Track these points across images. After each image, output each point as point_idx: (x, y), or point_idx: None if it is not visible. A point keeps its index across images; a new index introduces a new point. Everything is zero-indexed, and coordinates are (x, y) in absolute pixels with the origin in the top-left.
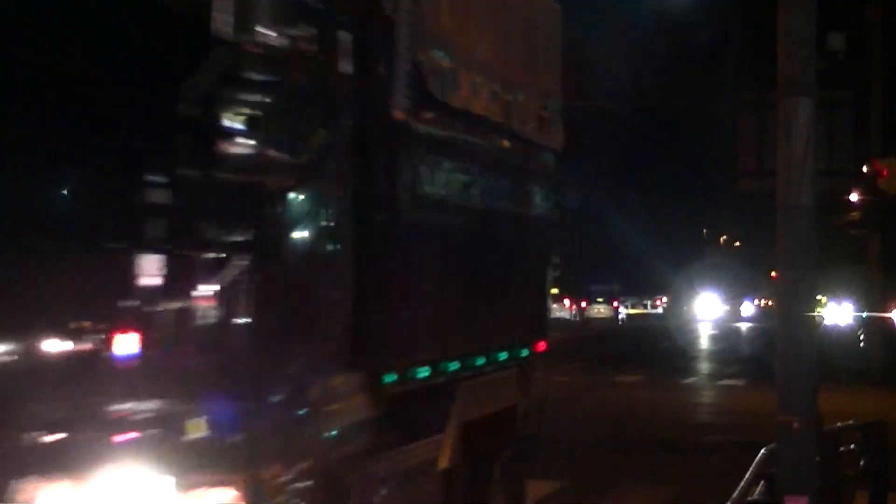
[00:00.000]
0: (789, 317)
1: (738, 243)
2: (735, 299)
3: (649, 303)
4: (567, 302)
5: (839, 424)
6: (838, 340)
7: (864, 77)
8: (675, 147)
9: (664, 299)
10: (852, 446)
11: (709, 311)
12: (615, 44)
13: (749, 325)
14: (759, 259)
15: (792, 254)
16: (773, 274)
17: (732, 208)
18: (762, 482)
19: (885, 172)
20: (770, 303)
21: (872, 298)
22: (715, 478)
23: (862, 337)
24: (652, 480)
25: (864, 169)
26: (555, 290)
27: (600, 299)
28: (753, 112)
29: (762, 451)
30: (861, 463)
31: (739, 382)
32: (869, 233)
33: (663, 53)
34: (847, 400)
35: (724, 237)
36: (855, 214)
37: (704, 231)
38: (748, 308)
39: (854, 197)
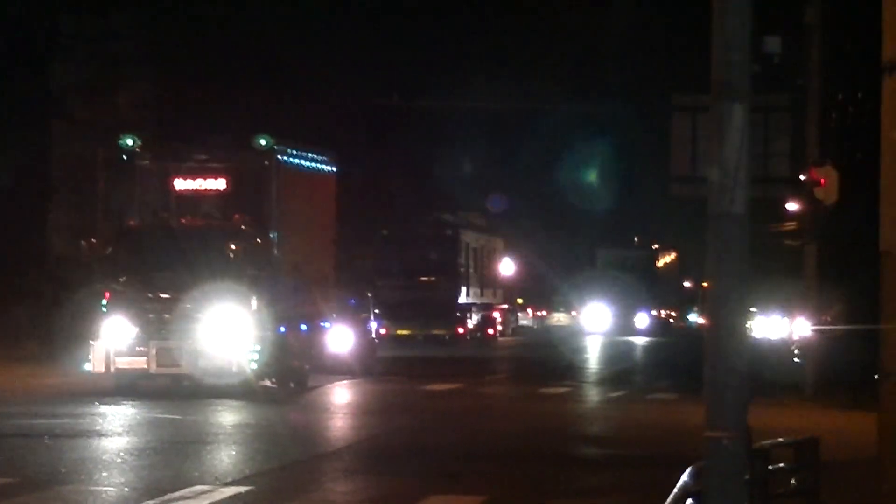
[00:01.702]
0: (719, 329)
1: (672, 254)
2: (628, 309)
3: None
4: (529, 311)
5: (770, 441)
6: (770, 354)
7: (802, 82)
8: (607, 149)
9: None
10: (783, 464)
11: (596, 323)
12: (551, 43)
13: (644, 339)
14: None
15: (722, 263)
16: (703, 284)
17: (665, 215)
18: (689, 500)
19: (822, 181)
20: (671, 314)
21: (807, 310)
22: (641, 494)
23: (797, 351)
24: (576, 496)
25: (802, 177)
26: (520, 301)
27: (561, 309)
28: (687, 115)
29: (690, 467)
30: (792, 481)
31: (670, 396)
32: (805, 243)
33: (598, 54)
34: (779, 416)
35: (656, 245)
36: (791, 224)
37: (636, 239)
38: (643, 319)
39: (791, 206)
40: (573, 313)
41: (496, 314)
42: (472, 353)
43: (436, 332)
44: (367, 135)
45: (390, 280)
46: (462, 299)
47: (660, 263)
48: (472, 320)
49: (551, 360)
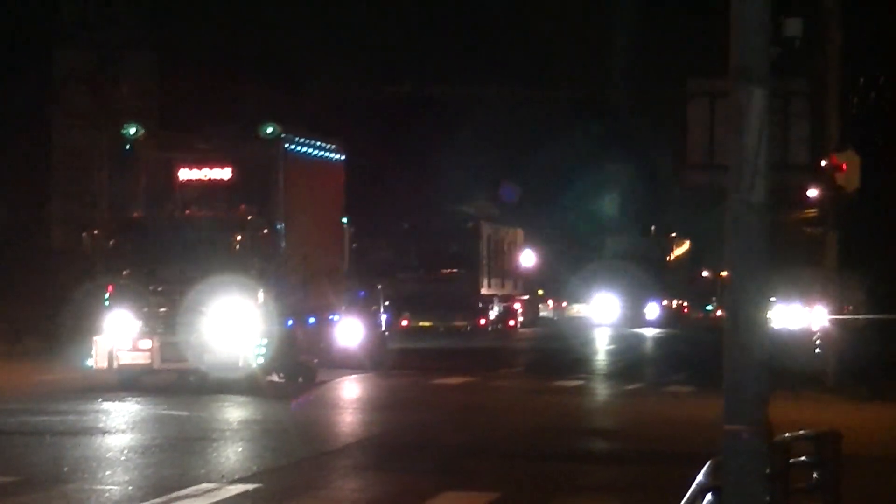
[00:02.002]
0: (738, 320)
1: (686, 244)
2: (637, 300)
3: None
4: (550, 303)
5: (790, 434)
6: (790, 345)
7: (822, 66)
8: (622, 138)
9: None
10: (804, 458)
11: (605, 314)
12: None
13: (654, 330)
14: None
15: (742, 253)
16: (723, 274)
17: (680, 204)
18: (708, 495)
19: (843, 167)
20: (684, 304)
21: (828, 300)
22: (658, 490)
23: (818, 342)
24: (591, 492)
25: (823, 163)
26: (541, 292)
27: (581, 300)
28: (704, 101)
29: (708, 462)
30: (814, 475)
31: (686, 389)
32: (826, 231)
33: (612, 41)
34: (799, 408)
35: (674, 234)
36: (812, 212)
37: (653, 228)
38: (653, 310)
39: (811, 193)
40: (589, 304)
41: (517, 305)
42: (491, 344)
43: (457, 323)
44: (377, 124)
45: (411, 272)
46: (484, 290)
47: (675, 252)
48: (494, 312)
49: (565, 352)
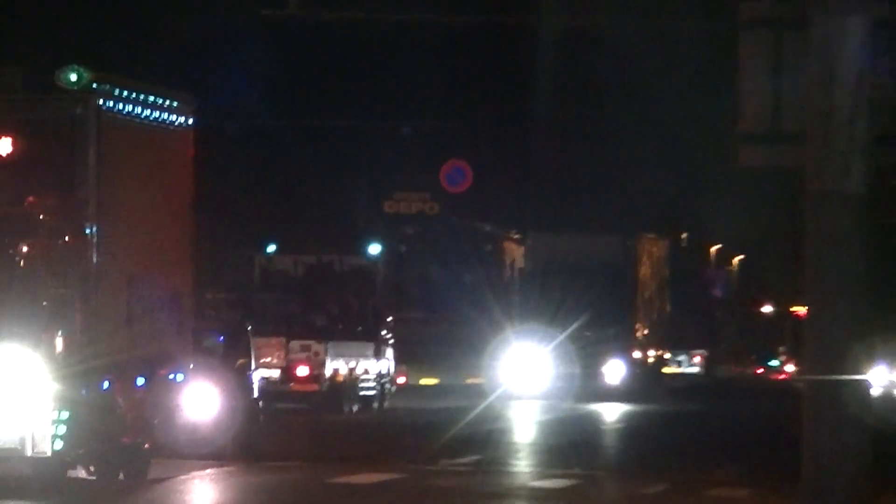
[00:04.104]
0: (823, 379)
1: (738, 258)
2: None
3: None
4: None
5: None
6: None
7: None
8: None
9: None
10: None
11: (522, 380)
12: None
13: (618, 407)
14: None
15: (830, 273)
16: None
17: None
18: None
19: None
20: (661, 355)
21: None
22: None
23: None
24: None
25: None
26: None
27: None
28: (766, 35)
29: None
30: None
31: (737, 493)
32: None
33: None
34: None
35: (718, 246)
36: None
37: (683, 237)
38: (616, 368)
39: None
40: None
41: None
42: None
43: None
44: (248, 65)
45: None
46: None
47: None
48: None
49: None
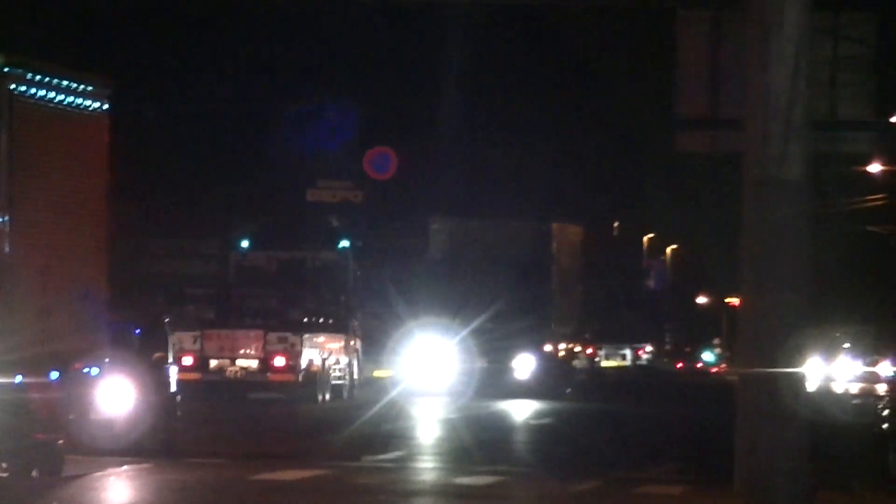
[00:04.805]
0: (758, 372)
1: (672, 247)
2: (501, 343)
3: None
4: None
5: None
6: (833, 414)
7: None
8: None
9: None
10: None
11: (424, 375)
12: None
13: (530, 404)
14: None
15: (767, 262)
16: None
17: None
18: None
19: None
20: (581, 350)
21: None
22: None
23: (885, 412)
24: None
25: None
26: None
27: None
28: (702, 23)
29: None
30: None
31: (671, 490)
32: None
33: None
34: None
35: (651, 235)
36: (878, 198)
37: (616, 225)
38: (526, 363)
39: (874, 168)
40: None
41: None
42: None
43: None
44: (166, 43)
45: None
46: None
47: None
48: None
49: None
